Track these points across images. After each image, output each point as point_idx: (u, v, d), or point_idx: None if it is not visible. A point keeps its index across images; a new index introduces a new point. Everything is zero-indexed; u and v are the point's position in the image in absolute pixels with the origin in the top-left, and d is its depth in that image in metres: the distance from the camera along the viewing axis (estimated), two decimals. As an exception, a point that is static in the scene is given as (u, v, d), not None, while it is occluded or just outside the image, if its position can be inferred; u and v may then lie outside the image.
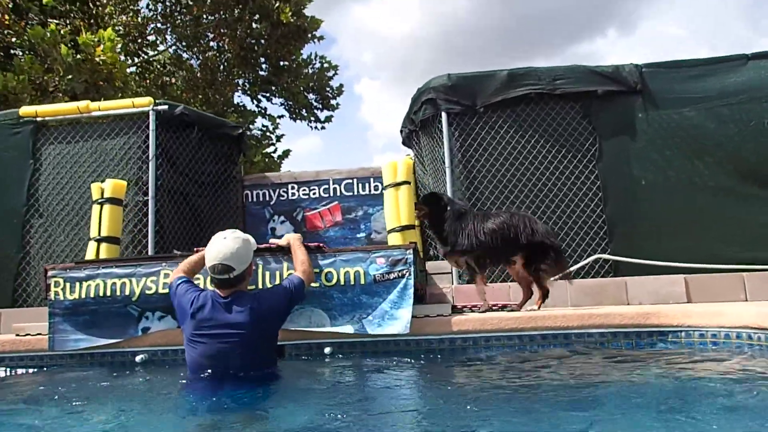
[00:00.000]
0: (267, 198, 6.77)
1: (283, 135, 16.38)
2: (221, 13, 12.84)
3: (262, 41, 13.54)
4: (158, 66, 13.86)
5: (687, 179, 4.93)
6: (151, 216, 5.55)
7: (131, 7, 12.47)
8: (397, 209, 5.53)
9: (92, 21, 11.51)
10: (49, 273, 3.76)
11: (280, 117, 15.57)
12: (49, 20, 10.43)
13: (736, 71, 5.02)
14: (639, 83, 5.09)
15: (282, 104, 15.26)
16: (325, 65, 14.68)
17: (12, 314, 5.10)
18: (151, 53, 13.68)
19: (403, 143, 6.54)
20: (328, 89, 14.94)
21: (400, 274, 3.52)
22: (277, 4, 12.62)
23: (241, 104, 15.15)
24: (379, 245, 4.77)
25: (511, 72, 5.26)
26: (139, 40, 13.01)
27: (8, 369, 3.69)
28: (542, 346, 3.32)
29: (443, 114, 5.30)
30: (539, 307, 3.80)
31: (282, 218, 6.71)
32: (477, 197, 5.16)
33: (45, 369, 3.67)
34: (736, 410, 1.94)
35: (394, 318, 3.42)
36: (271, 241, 3.70)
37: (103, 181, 5.51)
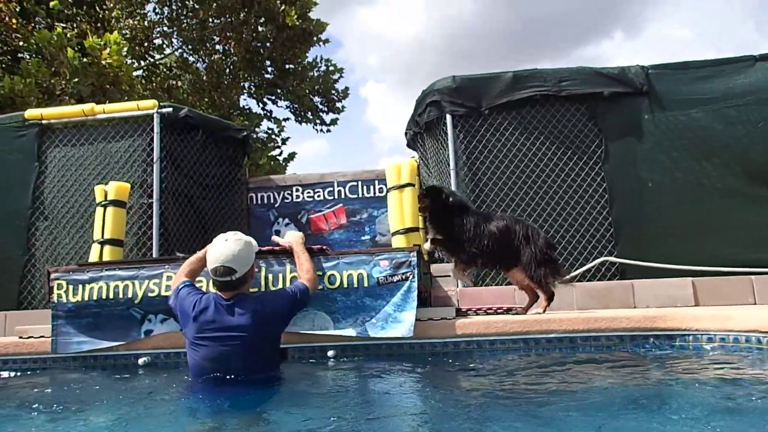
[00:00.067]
0: (271, 201, 6.76)
1: (288, 138, 16.46)
2: (227, 16, 12.90)
3: (268, 44, 13.61)
4: (164, 69, 13.95)
5: (694, 181, 4.89)
6: (156, 218, 5.56)
7: (138, 10, 12.55)
8: (401, 211, 5.50)
9: (99, 24, 11.59)
10: (52, 275, 3.74)
11: (285, 120, 15.70)
12: (55, 24, 10.50)
13: (743, 72, 4.98)
14: (645, 85, 5.06)
15: (287, 107, 15.34)
16: (331, 68, 14.74)
17: (17, 316, 5.12)
18: (157, 56, 13.77)
19: (408, 146, 6.53)
20: (333, 92, 14.99)
21: (403, 277, 3.48)
22: (282, 8, 12.68)
23: (246, 107, 15.26)
24: (382, 248, 4.74)
25: (516, 74, 5.24)
26: (146, 44, 13.10)
27: (11, 372, 3.68)
28: (548, 350, 3.28)
29: (448, 116, 5.29)
30: (545, 310, 3.76)
31: (287, 221, 6.69)
32: (482, 199, 5.13)
33: (48, 371, 3.66)
34: (746, 414, 1.91)
35: (398, 321, 3.39)
36: (273, 239, 3.68)
37: (107, 184, 5.52)
